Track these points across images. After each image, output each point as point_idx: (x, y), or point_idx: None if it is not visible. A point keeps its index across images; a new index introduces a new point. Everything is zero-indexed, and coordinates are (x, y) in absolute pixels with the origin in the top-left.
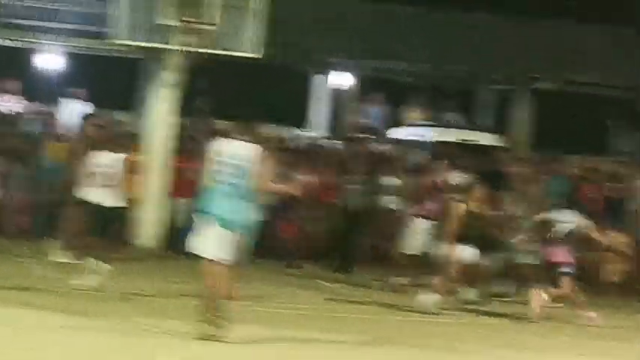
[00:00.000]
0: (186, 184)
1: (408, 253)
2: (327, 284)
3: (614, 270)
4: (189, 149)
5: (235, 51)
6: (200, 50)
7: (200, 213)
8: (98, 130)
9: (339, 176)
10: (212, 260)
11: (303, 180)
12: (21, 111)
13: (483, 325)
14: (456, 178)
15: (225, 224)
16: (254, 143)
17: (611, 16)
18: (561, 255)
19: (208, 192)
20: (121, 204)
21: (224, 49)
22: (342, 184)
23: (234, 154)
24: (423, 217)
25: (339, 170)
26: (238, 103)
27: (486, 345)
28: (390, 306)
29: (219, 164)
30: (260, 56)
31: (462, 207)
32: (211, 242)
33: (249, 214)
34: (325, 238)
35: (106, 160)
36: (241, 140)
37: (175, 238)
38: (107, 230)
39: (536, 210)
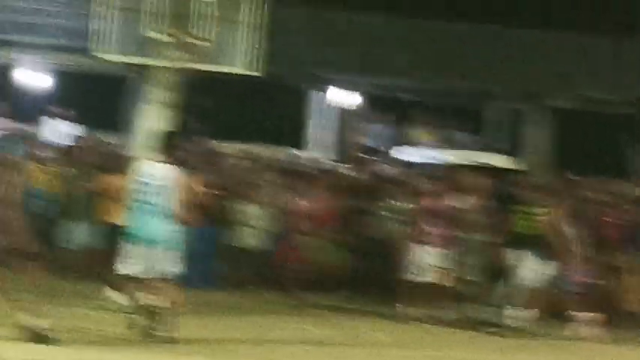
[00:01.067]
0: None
1: (416, 280)
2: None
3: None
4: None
5: (229, 66)
6: (191, 66)
7: (126, 234)
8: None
9: (346, 200)
10: (145, 278)
11: (305, 204)
12: None
13: None
14: (467, 202)
15: (149, 243)
16: (174, 163)
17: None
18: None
19: (132, 213)
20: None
21: (216, 65)
22: (351, 209)
23: (153, 175)
24: (425, 242)
25: (347, 194)
26: (231, 121)
27: None
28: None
29: (140, 185)
30: (257, 73)
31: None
32: (142, 261)
33: (172, 232)
34: (334, 266)
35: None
36: (161, 161)
37: None
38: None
39: None
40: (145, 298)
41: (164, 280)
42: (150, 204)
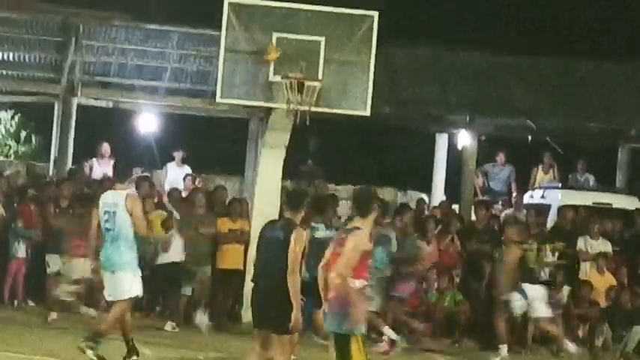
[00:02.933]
0: None
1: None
2: None
3: None
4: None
5: (343, 109)
6: (306, 109)
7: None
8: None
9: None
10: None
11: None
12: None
13: None
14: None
15: (107, 267)
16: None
17: None
18: None
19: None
20: None
21: (331, 107)
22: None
23: (109, 203)
24: None
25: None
26: (351, 164)
27: None
28: None
29: (103, 213)
30: (367, 114)
31: None
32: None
33: (129, 255)
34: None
35: None
36: (119, 188)
37: None
38: None
39: None
40: None
41: None
42: (109, 230)
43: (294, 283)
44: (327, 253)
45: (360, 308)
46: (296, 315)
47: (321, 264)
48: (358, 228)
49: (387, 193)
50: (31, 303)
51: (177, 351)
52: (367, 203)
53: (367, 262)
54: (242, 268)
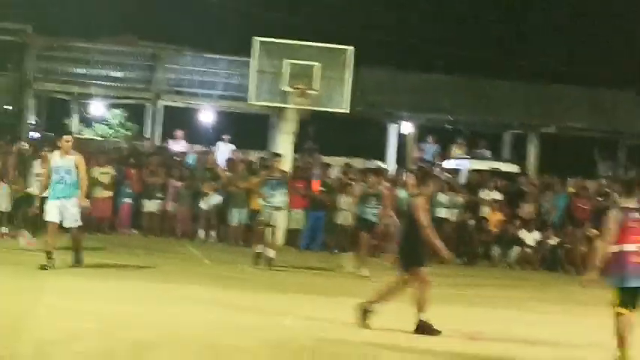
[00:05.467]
0: (299, 198)
1: None
2: None
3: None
4: (300, 175)
5: (331, 108)
6: (307, 107)
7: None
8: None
9: None
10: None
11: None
12: (185, 150)
13: None
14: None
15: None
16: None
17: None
18: None
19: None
20: None
21: (323, 107)
22: None
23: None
24: None
25: None
26: (336, 144)
27: None
28: None
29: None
30: (347, 111)
31: None
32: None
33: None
34: None
35: None
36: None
37: (292, 236)
38: None
39: None
40: None
41: None
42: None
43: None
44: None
45: None
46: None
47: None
48: None
49: (357, 162)
50: (133, 231)
51: None
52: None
53: None
54: None
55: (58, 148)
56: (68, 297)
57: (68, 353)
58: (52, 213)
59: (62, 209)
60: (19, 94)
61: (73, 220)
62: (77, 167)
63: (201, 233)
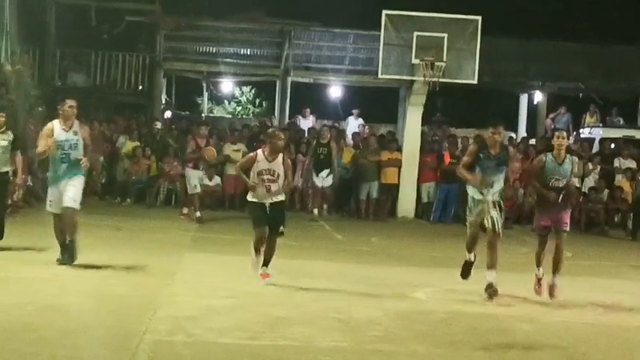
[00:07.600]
0: (428, 172)
1: None
2: None
3: None
4: (430, 149)
5: (459, 79)
6: (435, 80)
7: None
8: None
9: None
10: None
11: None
12: (316, 126)
13: None
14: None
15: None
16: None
17: None
18: None
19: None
20: None
21: (451, 78)
22: None
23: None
24: None
25: None
26: (465, 115)
27: None
28: None
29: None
30: (475, 82)
31: None
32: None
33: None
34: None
35: None
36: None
37: (423, 210)
38: None
39: None
40: None
41: None
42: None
43: None
44: None
45: None
46: None
47: None
48: None
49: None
50: None
51: None
52: None
53: None
54: (397, 182)
55: (57, 116)
56: (201, 273)
57: (204, 329)
58: (55, 204)
59: (63, 191)
60: (150, 74)
61: (71, 200)
62: (84, 140)
63: (324, 209)
